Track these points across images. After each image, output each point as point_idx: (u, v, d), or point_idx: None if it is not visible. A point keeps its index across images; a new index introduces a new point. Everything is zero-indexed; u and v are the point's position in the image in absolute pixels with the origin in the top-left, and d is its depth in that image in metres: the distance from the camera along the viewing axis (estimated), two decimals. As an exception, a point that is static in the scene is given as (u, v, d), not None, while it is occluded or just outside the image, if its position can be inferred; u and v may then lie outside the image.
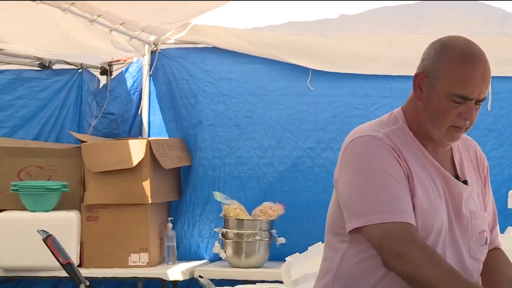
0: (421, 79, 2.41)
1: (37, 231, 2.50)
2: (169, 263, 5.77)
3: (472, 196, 2.50)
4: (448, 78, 2.36)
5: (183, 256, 5.95)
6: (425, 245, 2.31)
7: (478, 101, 2.39)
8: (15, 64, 6.09)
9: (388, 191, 2.33)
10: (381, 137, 2.39)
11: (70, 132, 6.01)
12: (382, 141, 2.38)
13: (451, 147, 2.51)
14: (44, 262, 5.02)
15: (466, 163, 2.54)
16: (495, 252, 2.62)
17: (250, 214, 5.72)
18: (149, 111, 6.18)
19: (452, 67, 2.36)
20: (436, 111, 2.38)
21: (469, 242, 2.48)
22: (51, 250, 2.49)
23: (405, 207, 2.32)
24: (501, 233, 4.65)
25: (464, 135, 2.53)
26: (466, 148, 2.58)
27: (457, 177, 2.48)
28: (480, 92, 2.37)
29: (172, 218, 5.90)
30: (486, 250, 2.55)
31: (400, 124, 2.46)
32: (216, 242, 5.75)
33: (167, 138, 6.06)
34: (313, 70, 5.95)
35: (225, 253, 5.69)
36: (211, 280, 4.34)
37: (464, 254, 2.46)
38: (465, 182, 2.49)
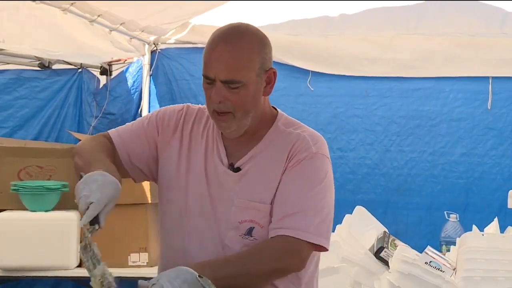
0: None
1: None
2: (169, 263, 5.75)
3: (249, 186, 2.47)
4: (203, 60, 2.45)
5: (183, 256, 5.94)
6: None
7: (225, 83, 2.39)
8: (15, 64, 6.09)
9: (129, 124, 2.66)
10: (186, 105, 2.64)
11: (70, 132, 6.00)
12: (182, 107, 2.64)
13: (259, 142, 2.52)
14: (44, 262, 5.02)
15: (268, 155, 2.51)
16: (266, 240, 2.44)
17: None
18: (149, 111, 6.17)
19: (204, 49, 2.44)
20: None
21: (226, 230, 2.46)
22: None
23: (122, 133, 2.62)
24: (501, 232, 4.66)
25: (296, 134, 2.56)
26: (285, 142, 2.56)
27: (232, 166, 2.49)
28: (218, 72, 2.38)
29: (172, 218, 5.89)
30: (251, 242, 2.44)
31: None
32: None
33: (167, 138, 6.04)
34: (313, 70, 5.96)
35: (225, 252, 5.67)
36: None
37: (214, 239, 2.44)
38: (237, 169, 2.48)
